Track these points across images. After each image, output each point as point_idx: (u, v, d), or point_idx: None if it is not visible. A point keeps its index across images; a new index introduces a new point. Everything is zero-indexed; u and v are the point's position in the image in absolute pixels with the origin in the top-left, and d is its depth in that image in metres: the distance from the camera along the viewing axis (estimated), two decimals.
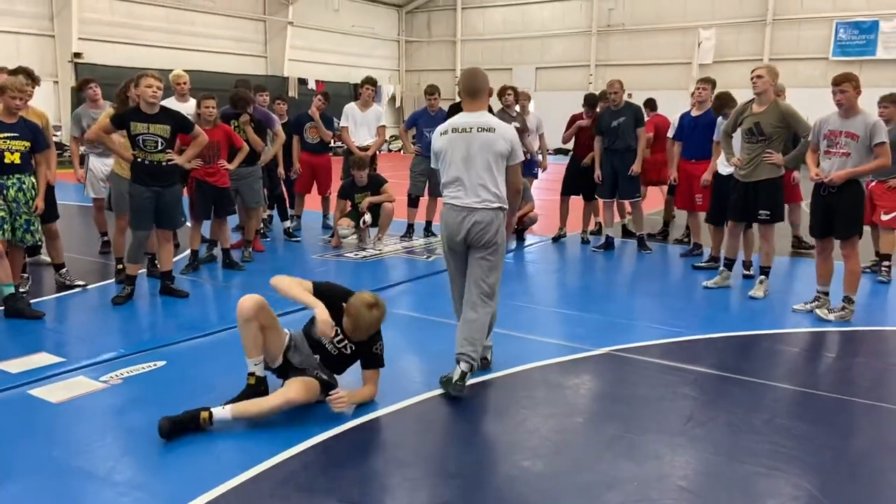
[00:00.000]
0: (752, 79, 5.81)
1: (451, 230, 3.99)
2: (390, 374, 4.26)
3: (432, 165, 4.28)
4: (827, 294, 5.52)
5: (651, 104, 9.62)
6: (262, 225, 7.90)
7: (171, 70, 7.53)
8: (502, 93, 8.34)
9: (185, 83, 7.23)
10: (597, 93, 8.70)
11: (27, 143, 5.20)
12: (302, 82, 24.14)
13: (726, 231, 6.44)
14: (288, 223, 8.49)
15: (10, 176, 5.15)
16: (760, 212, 5.93)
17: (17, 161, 5.15)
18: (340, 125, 8.54)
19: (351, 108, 8.56)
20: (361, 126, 8.49)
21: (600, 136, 7.82)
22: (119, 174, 6.07)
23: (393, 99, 28.43)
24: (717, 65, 21.67)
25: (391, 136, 27.22)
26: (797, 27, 22.08)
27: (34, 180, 5.32)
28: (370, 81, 8.62)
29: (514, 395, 3.98)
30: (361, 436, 3.38)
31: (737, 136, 6.12)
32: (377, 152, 8.63)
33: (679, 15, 23.75)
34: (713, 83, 7.46)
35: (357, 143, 8.41)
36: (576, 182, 8.38)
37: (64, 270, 6.05)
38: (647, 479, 3.03)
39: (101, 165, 7.04)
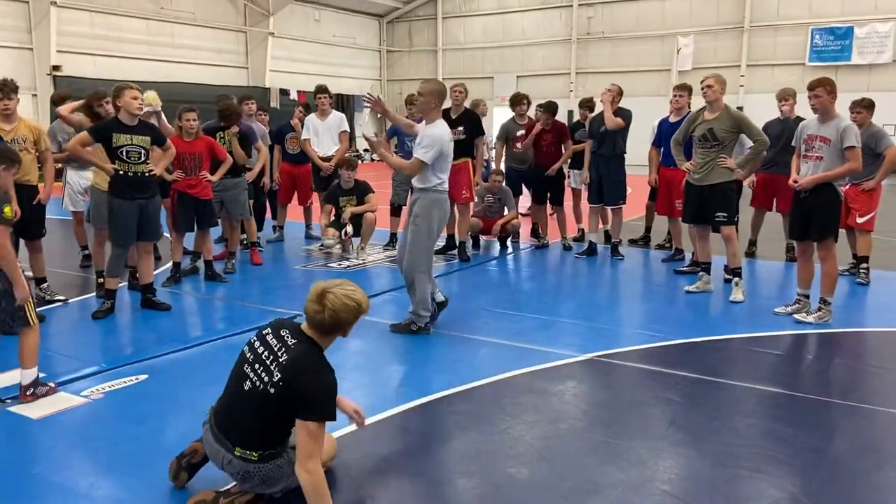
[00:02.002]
0: (702, 89, 6.07)
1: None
2: (374, 384, 4.27)
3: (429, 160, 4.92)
4: (807, 297, 5.58)
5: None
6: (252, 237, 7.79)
7: (152, 82, 7.51)
8: (518, 101, 8.50)
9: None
10: (579, 99, 8.81)
11: None
12: (284, 93, 24.10)
13: (696, 236, 6.55)
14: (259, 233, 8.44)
15: None
16: (717, 214, 6.10)
17: None
18: (302, 137, 8.45)
19: (310, 119, 8.50)
20: (323, 135, 8.43)
21: (591, 140, 7.89)
22: (98, 187, 6.02)
23: None
24: (695, 71, 21.86)
25: None
26: (774, 34, 22.37)
27: None
28: (323, 90, 8.53)
29: (499, 402, 3.99)
30: (344, 445, 3.37)
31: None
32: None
33: (658, 22, 23.98)
34: (690, 90, 7.55)
35: (320, 152, 8.36)
36: (543, 188, 8.47)
37: (45, 285, 5.99)
38: (631, 484, 3.05)
39: (78, 179, 6.99)
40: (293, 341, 2.76)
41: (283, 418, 2.70)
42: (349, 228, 7.90)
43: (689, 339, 5.08)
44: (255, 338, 2.88)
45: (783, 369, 4.65)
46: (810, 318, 5.40)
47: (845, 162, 5.20)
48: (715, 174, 6.07)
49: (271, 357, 2.74)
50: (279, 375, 2.68)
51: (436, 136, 4.94)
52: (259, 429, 2.75)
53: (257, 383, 2.72)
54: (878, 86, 19.88)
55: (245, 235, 7.81)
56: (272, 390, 2.67)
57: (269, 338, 2.82)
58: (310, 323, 2.79)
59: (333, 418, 2.71)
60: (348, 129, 8.74)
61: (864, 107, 6.61)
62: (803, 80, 21.14)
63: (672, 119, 7.52)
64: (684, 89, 7.52)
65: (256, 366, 2.76)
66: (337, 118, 8.56)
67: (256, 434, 2.75)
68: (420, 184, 5.06)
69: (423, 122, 5.13)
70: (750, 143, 6.24)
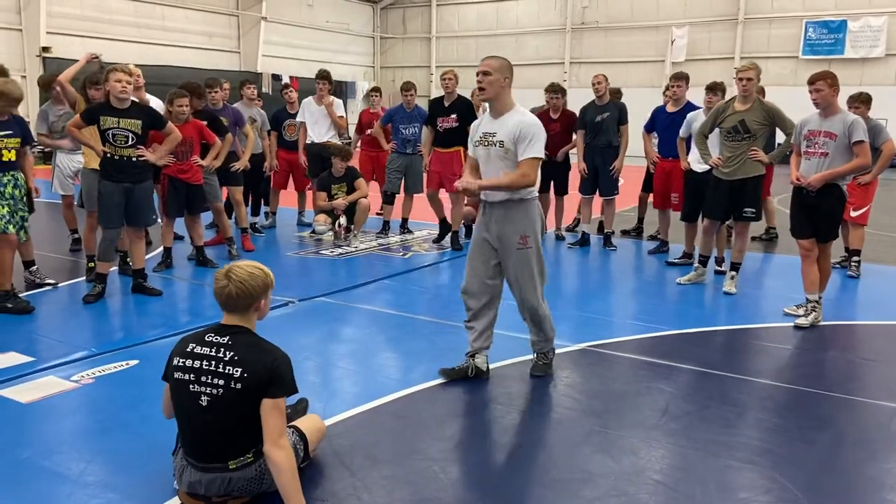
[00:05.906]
0: (740, 79, 5.70)
1: None
2: (366, 371, 4.26)
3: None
4: (819, 301, 5.25)
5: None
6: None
7: (142, 65, 7.42)
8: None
9: (137, 76, 7.13)
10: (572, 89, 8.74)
11: (19, 140, 5.23)
12: (276, 78, 23.91)
13: (700, 228, 6.47)
14: (254, 219, 8.41)
15: (7, 173, 5.15)
16: (746, 209, 5.87)
17: (13, 158, 5.17)
18: (298, 120, 8.41)
19: (308, 103, 8.43)
20: (321, 121, 8.39)
21: (583, 131, 7.83)
22: (90, 170, 5.95)
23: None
24: (689, 62, 21.90)
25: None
26: (768, 26, 22.39)
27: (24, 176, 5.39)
28: (323, 77, 8.43)
29: (491, 392, 3.99)
30: (337, 434, 3.36)
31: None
32: (357, 147, 8.76)
33: (652, 13, 23.96)
34: (687, 79, 7.45)
35: (316, 138, 8.34)
36: (548, 177, 8.38)
37: (34, 268, 5.94)
38: (624, 474, 3.05)
39: (68, 162, 6.92)
40: (226, 337, 2.69)
41: (255, 409, 2.64)
42: (342, 220, 7.87)
43: (681, 329, 5.09)
44: (178, 361, 2.72)
45: (774, 361, 4.67)
46: (806, 322, 5.17)
47: (852, 157, 5.03)
48: (747, 167, 5.77)
49: (213, 361, 2.65)
50: (239, 370, 2.61)
51: (537, 123, 3.81)
52: (239, 429, 2.68)
53: (215, 392, 2.63)
54: (871, 80, 19.96)
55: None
56: (238, 385, 2.60)
57: (196, 349, 2.70)
58: (226, 307, 2.73)
59: (297, 390, 2.71)
60: (345, 115, 8.70)
61: (861, 101, 6.58)
62: (796, 74, 21.35)
63: (670, 109, 7.43)
64: (682, 79, 7.42)
65: (203, 378, 2.65)
66: (335, 104, 8.51)
67: (240, 435, 2.68)
68: (517, 193, 3.83)
69: (487, 111, 4.01)
70: None
